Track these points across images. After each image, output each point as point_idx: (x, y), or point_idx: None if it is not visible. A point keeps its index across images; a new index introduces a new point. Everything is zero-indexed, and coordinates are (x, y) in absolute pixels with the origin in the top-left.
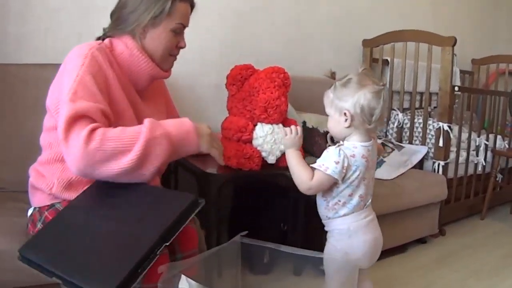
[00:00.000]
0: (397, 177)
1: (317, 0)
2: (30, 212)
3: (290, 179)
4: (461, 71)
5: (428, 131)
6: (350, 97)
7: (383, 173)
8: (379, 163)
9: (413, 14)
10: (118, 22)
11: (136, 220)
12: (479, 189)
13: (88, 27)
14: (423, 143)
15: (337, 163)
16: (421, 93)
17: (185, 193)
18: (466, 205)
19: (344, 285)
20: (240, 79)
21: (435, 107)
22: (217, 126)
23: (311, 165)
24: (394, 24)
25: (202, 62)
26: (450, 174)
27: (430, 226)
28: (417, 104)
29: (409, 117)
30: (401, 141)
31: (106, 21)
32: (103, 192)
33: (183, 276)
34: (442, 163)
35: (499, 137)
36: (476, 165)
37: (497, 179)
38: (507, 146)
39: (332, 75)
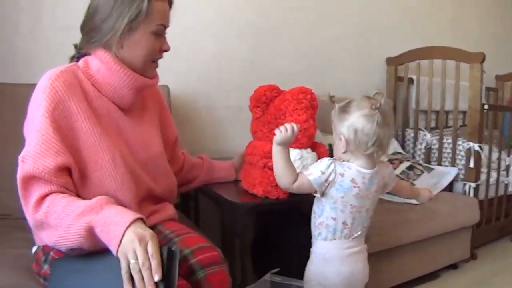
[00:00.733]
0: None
1: (339, 19)
2: (34, 250)
3: None
4: (486, 88)
5: (457, 151)
6: (346, 121)
7: None
8: None
9: (435, 30)
10: (91, 35)
11: None
12: (509, 210)
13: None
14: (452, 164)
15: (322, 173)
16: (446, 112)
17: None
18: (496, 227)
19: None
20: (265, 101)
21: (460, 126)
22: (236, 150)
23: (301, 171)
24: (416, 41)
25: (221, 82)
26: (481, 195)
27: (462, 250)
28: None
29: (437, 137)
30: (429, 163)
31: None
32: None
33: None
34: (473, 185)
35: None
36: (506, 185)
37: None
38: None
39: (331, 99)
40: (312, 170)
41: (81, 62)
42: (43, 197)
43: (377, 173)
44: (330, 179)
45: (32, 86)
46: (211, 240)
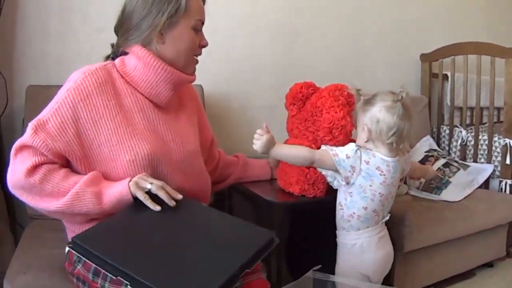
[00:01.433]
0: (464, 198)
1: (371, 15)
2: (67, 249)
3: None
4: None
5: (493, 148)
6: (369, 112)
7: (449, 194)
8: (445, 184)
9: (469, 25)
10: (130, 33)
11: (218, 244)
12: None
13: None
14: (488, 161)
15: (347, 157)
16: (481, 108)
17: (265, 229)
18: None
19: None
20: (301, 98)
21: (495, 122)
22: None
23: (323, 144)
24: (450, 36)
25: (254, 81)
26: None
27: (497, 249)
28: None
29: (472, 133)
30: (465, 160)
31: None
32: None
33: None
34: (509, 182)
35: None
36: None
37: None
38: None
39: (358, 93)
40: (338, 151)
41: (117, 60)
42: (38, 165)
43: (399, 161)
44: (356, 166)
45: None
46: None
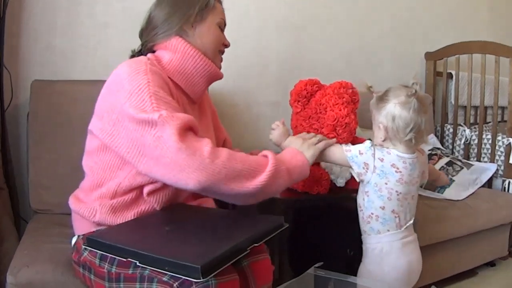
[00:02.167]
0: (467, 197)
1: (377, 13)
2: (74, 240)
3: None
4: None
5: (497, 147)
6: (384, 110)
7: (453, 193)
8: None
9: (474, 24)
10: (160, 27)
11: (226, 225)
12: None
13: (138, 42)
14: (492, 160)
15: (360, 153)
16: (486, 107)
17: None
18: None
19: None
20: (306, 95)
21: (499, 122)
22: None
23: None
24: (455, 35)
25: (260, 78)
26: None
27: (500, 248)
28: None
29: (476, 133)
30: (468, 158)
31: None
32: (183, 212)
33: None
34: None
35: None
36: None
37: None
38: None
39: (369, 89)
40: (351, 147)
41: (150, 55)
42: (215, 147)
43: (418, 159)
44: (370, 163)
45: (70, 82)
46: None
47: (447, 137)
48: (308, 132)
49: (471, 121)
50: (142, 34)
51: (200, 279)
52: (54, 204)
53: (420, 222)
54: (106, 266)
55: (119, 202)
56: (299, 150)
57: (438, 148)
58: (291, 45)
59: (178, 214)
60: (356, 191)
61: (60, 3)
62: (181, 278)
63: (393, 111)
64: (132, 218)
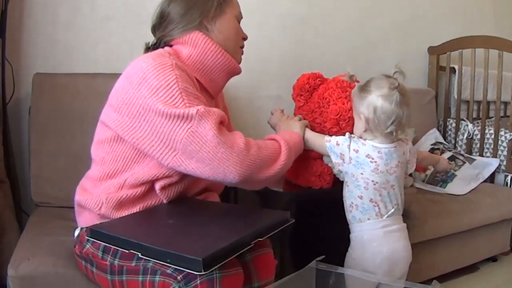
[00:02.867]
0: (469, 192)
1: (380, 7)
2: (77, 232)
3: None
4: None
5: (499, 142)
6: (365, 100)
7: (455, 188)
8: (451, 177)
9: (477, 19)
10: (181, 22)
11: (231, 219)
12: None
13: (140, 34)
14: (494, 155)
15: (337, 144)
16: (488, 102)
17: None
18: None
19: None
20: (308, 89)
21: (502, 117)
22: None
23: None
24: (459, 30)
25: (262, 72)
26: None
27: (502, 243)
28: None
29: (479, 127)
30: (471, 153)
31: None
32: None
33: None
34: None
35: None
36: None
37: None
38: None
39: (351, 78)
40: (331, 138)
41: (168, 49)
42: (244, 138)
43: (396, 148)
44: (345, 153)
45: (72, 76)
46: None
47: (449, 132)
48: (311, 125)
49: (474, 116)
50: (155, 29)
51: (201, 271)
52: (56, 197)
53: (422, 216)
54: (108, 258)
55: (127, 196)
56: (291, 129)
57: (441, 143)
58: (293, 39)
59: (183, 207)
60: None
61: None
62: (185, 271)
63: (375, 103)
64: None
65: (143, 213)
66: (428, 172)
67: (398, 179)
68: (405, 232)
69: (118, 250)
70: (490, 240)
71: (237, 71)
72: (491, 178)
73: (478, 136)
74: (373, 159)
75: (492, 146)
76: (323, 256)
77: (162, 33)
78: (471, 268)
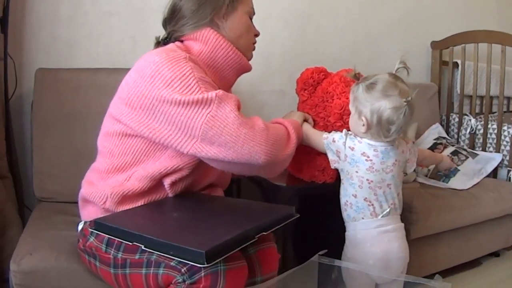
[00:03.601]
0: (472, 187)
1: (383, 1)
2: (80, 226)
3: None
4: None
5: (502, 137)
6: (370, 104)
7: (457, 182)
8: (454, 172)
9: (481, 13)
10: (192, 18)
11: (235, 213)
12: None
13: (142, 30)
14: (497, 150)
15: (333, 141)
16: (491, 97)
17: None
18: None
19: None
20: (312, 84)
21: (505, 112)
22: None
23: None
24: (462, 24)
25: (265, 67)
26: None
27: (504, 238)
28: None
29: (482, 122)
30: (473, 148)
31: (161, 24)
32: (192, 199)
33: None
34: None
35: None
36: None
37: None
38: None
39: (356, 76)
40: (329, 135)
41: (180, 45)
42: (261, 119)
43: (393, 147)
44: (341, 151)
45: (74, 71)
46: None
47: (452, 127)
48: (315, 119)
49: (477, 110)
50: (166, 23)
51: (204, 264)
52: (58, 192)
53: (424, 211)
54: (112, 252)
55: (133, 190)
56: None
57: (444, 137)
58: (296, 34)
59: (187, 201)
60: None
61: None
62: (189, 263)
63: (381, 113)
64: None
65: (148, 206)
66: (431, 167)
67: (395, 178)
68: (401, 232)
69: (121, 243)
70: (492, 235)
71: (248, 69)
72: (494, 173)
73: (481, 131)
74: (368, 157)
75: (495, 141)
76: (326, 250)
77: (173, 28)
78: (474, 263)
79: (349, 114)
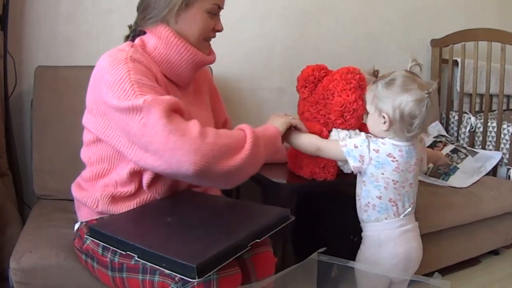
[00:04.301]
0: (471, 185)
1: (383, 0)
2: (76, 226)
3: None
4: None
5: (502, 135)
6: (391, 100)
7: (457, 181)
8: (453, 170)
9: (481, 11)
10: (148, 12)
11: (229, 218)
12: None
13: None
14: (497, 148)
15: (355, 147)
16: (491, 95)
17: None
18: None
19: None
20: (313, 81)
21: (504, 110)
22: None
23: (334, 128)
24: (462, 22)
25: (264, 63)
26: None
27: (504, 236)
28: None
29: (481, 120)
30: (473, 146)
31: None
32: (187, 200)
33: None
34: None
35: None
36: None
37: None
38: None
39: (375, 73)
40: (346, 142)
41: (137, 41)
42: (200, 126)
43: (414, 146)
44: (365, 155)
45: (73, 68)
46: None
47: (452, 125)
48: (315, 117)
49: (477, 109)
50: (138, 8)
51: (196, 278)
52: (58, 190)
53: (424, 209)
54: (109, 255)
55: (121, 193)
56: (270, 123)
57: (443, 136)
58: (296, 31)
59: (181, 203)
60: None
61: None
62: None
63: (404, 107)
64: (134, 207)
65: (142, 209)
66: (431, 165)
67: (415, 177)
68: (417, 231)
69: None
70: (492, 233)
71: (207, 62)
72: (494, 171)
73: (481, 129)
74: (394, 158)
75: (494, 139)
76: (325, 248)
77: (136, 20)
78: (473, 261)
79: (349, 111)
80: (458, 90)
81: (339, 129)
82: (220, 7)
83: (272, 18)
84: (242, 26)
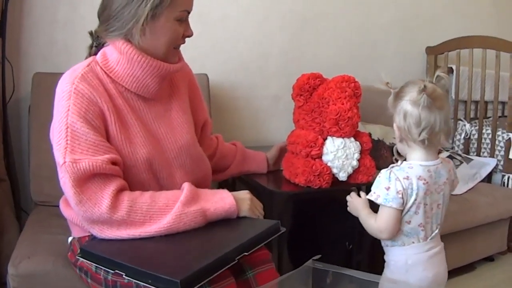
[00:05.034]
0: (466, 191)
1: (380, 7)
2: (70, 240)
3: None
4: None
5: (497, 142)
6: (397, 107)
7: None
8: None
9: (476, 19)
10: (110, 23)
11: (217, 231)
12: None
13: None
14: (491, 155)
15: (387, 189)
16: (486, 102)
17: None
18: None
19: None
20: (308, 89)
21: (499, 117)
22: (277, 139)
23: (366, 196)
24: (458, 29)
25: (261, 71)
26: None
27: (499, 243)
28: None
29: (476, 127)
30: (468, 153)
31: None
32: None
33: None
34: None
35: None
36: None
37: None
38: None
39: (387, 85)
40: (376, 191)
41: (99, 55)
42: (117, 195)
43: (443, 165)
44: (400, 188)
45: None
46: None
47: None
48: (311, 125)
49: (472, 115)
50: (99, 17)
51: None
52: (55, 196)
53: None
54: (102, 273)
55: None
56: (238, 197)
57: None
58: (292, 39)
59: None
60: (358, 184)
61: None
62: None
63: (404, 109)
64: None
65: None
66: None
67: (445, 197)
68: (443, 253)
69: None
70: (487, 239)
71: (173, 71)
72: (489, 178)
73: (476, 136)
74: (425, 180)
75: (489, 146)
76: (320, 255)
77: (97, 29)
78: (468, 268)
79: (344, 120)
80: (453, 97)
81: (334, 137)
82: (189, 12)
83: (268, 25)
84: (239, 34)
